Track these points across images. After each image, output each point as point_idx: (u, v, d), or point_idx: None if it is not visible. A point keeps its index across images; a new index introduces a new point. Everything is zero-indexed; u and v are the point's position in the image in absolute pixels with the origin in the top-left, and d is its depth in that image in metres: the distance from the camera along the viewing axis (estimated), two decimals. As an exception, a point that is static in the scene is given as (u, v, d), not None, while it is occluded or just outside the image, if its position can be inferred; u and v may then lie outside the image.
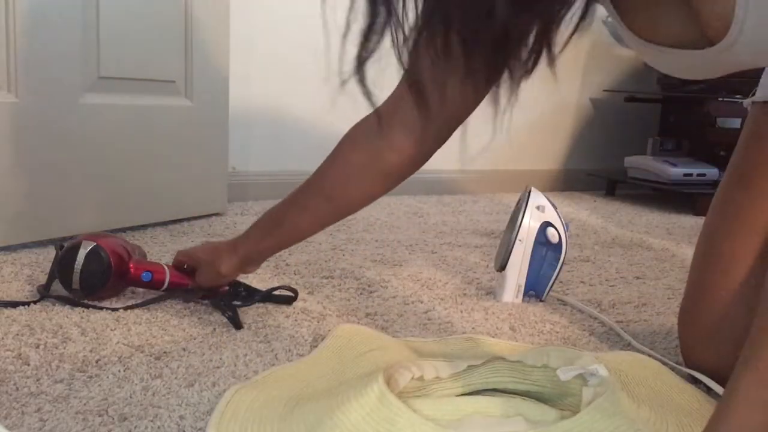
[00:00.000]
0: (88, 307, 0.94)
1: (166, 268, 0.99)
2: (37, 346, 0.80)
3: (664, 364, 0.83)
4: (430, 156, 0.77)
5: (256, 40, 1.89)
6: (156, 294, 0.98)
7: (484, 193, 2.29)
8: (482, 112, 2.16)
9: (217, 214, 1.66)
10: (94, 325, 0.88)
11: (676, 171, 2.17)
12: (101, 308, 0.94)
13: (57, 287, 0.98)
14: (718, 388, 0.77)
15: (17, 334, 0.83)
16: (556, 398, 0.67)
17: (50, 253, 1.23)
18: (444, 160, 2.24)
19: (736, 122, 2.43)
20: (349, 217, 1.73)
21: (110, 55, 1.37)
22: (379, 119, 0.76)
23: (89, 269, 0.95)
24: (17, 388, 0.69)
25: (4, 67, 1.21)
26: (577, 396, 0.65)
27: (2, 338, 0.82)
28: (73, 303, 0.94)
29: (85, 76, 1.33)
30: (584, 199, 2.29)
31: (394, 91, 0.75)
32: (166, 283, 0.98)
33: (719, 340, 0.77)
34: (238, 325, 0.89)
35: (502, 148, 2.35)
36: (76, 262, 0.95)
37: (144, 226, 1.48)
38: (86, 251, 0.95)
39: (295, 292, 1.01)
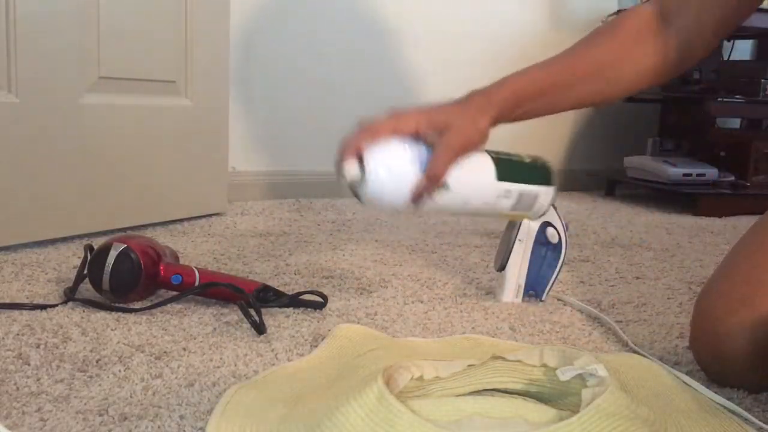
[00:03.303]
0: (117, 310, 0.94)
1: (195, 270, 0.99)
2: (38, 346, 0.80)
3: (664, 365, 0.83)
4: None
5: (256, 40, 1.89)
6: (176, 294, 0.98)
7: (484, 193, 2.29)
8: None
9: (217, 214, 1.66)
10: (95, 325, 0.88)
11: (675, 171, 2.17)
12: (131, 311, 0.94)
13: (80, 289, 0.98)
14: (710, 394, 0.77)
15: (18, 334, 0.83)
16: (556, 398, 0.67)
17: (50, 253, 1.23)
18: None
19: (735, 122, 2.43)
20: (349, 217, 1.73)
21: (110, 55, 1.37)
22: (660, 14, 0.80)
23: (119, 271, 0.95)
24: (17, 388, 0.69)
25: (4, 67, 1.21)
26: (577, 396, 0.65)
27: (2, 338, 0.82)
28: (100, 306, 0.94)
29: (85, 76, 1.33)
30: (584, 199, 2.29)
31: None
32: (195, 286, 0.98)
33: (744, 313, 0.74)
34: (261, 330, 0.88)
35: (502, 148, 2.35)
36: (107, 264, 0.95)
37: (144, 226, 1.48)
38: (117, 253, 0.95)
39: (325, 297, 1.00)
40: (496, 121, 0.76)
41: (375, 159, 0.69)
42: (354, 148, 0.70)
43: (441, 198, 0.74)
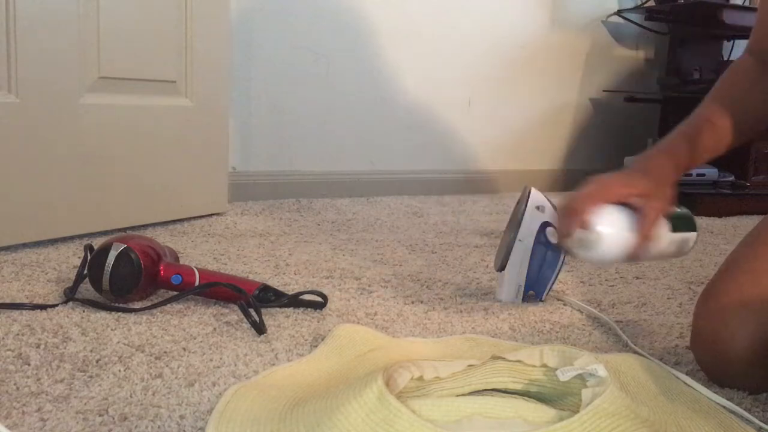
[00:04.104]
0: (117, 310, 0.94)
1: (195, 270, 0.99)
2: (38, 346, 0.80)
3: (664, 365, 0.83)
4: None
5: (256, 40, 1.89)
6: (177, 293, 0.98)
7: (484, 193, 2.29)
8: (482, 112, 2.17)
9: (217, 214, 1.66)
10: (95, 325, 0.88)
11: (675, 171, 2.16)
12: (131, 311, 0.94)
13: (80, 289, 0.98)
14: (710, 394, 0.77)
15: (18, 334, 0.83)
16: (556, 398, 0.67)
17: (50, 253, 1.23)
18: (444, 159, 2.24)
19: (735, 122, 2.43)
20: (349, 217, 1.74)
21: (110, 55, 1.37)
22: (756, 58, 0.91)
23: (119, 271, 0.95)
24: (18, 388, 0.69)
25: (4, 67, 1.21)
26: (577, 396, 0.65)
27: (3, 338, 0.82)
28: (100, 306, 0.94)
29: (85, 76, 1.33)
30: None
31: (760, 31, 0.91)
32: (195, 286, 0.98)
33: (745, 314, 0.76)
34: (261, 330, 0.88)
35: (502, 148, 2.35)
36: (107, 264, 0.95)
37: (144, 226, 1.48)
38: (116, 253, 0.95)
39: (325, 297, 1.00)
40: (674, 186, 0.89)
41: (601, 225, 0.82)
42: (579, 216, 0.82)
43: (644, 252, 0.86)
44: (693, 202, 2.09)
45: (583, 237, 0.82)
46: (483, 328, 0.95)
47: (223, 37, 1.60)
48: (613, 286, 1.21)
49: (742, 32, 2.28)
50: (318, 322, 0.94)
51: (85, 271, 0.97)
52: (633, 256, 0.84)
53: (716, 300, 0.79)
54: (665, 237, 0.91)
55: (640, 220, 0.82)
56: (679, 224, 0.95)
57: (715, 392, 0.75)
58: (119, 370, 0.75)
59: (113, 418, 0.64)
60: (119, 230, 1.42)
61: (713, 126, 0.90)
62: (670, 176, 0.88)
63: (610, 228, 0.82)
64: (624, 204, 0.84)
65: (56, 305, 0.94)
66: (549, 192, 2.36)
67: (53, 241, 1.31)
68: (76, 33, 1.30)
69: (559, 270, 1.07)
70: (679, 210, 0.97)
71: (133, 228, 1.45)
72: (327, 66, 2.01)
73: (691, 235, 0.97)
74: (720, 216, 2.04)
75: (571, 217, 0.82)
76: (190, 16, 1.50)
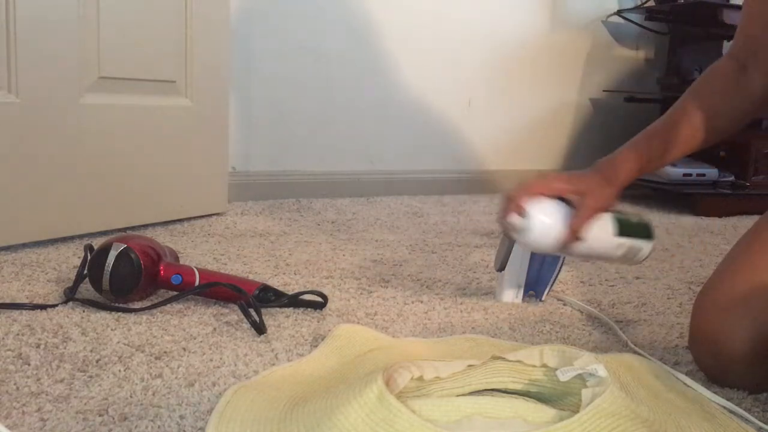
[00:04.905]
0: (117, 310, 0.94)
1: (195, 270, 0.99)
2: (38, 346, 0.80)
3: (664, 365, 0.83)
4: None
5: (256, 41, 1.89)
6: (177, 293, 0.97)
7: (484, 193, 2.29)
8: (482, 112, 2.17)
9: (217, 214, 1.66)
10: (95, 325, 0.88)
11: (675, 171, 2.17)
12: (131, 311, 0.94)
13: (81, 289, 0.98)
14: (710, 394, 0.77)
15: (18, 334, 0.83)
16: (556, 398, 0.67)
17: (50, 253, 1.23)
18: (444, 159, 2.24)
19: (735, 122, 2.43)
20: (349, 217, 1.74)
21: (110, 55, 1.37)
22: (737, 61, 0.92)
23: (119, 271, 0.95)
24: (18, 388, 0.69)
25: (4, 67, 1.21)
26: (577, 396, 0.65)
27: (3, 338, 0.82)
28: (100, 306, 0.94)
29: (85, 76, 1.33)
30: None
31: (741, 36, 0.93)
32: (195, 286, 0.98)
33: (743, 313, 0.76)
34: (261, 330, 0.88)
35: (502, 148, 2.35)
36: (107, 264, 0.95)
37: (144, 226, 1.48)
38: (116, 253, 0.95)
39: (325, 297, 1.00)
40: (621, 188, 0.93)
41: (534, 213, 0.88)
42: (516, 202, 0.89)
43: (575, 246, 0.91)
44: (693, 202, 2.09)
45: (516, 223, 0.90)
46: (483, 328, 0.95)
47: (223, 37, 1.60)
48: (613, 286, 1.21)
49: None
50: (318, 322, 0.94)
51: (85, 271, 0.97)
52: (564, 249, 0.91)
53: (714, 299, 0.79)
54: (607, 238, 0.94)
55: (572, 216, 0.88)
56: (628, 229, 0.97)
57: (715, 392, 0.75)
58: (119, 370, 0.75)
59: (113, 418, 0.64)
60: (119, 230, 1.42)
61: (688, 124, 0.92)
62: (623, 175, 0.92)
63: (542, 217, 0.88)
64: (564, 200, 0.90)
65: (56, 305, 0.94)
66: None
67: (53, 241, 1.31)
68: (76, 33, 1.30)
69: (559, 270, 1.07)
70: (634, 216, 1.00)
71: (133, 228, 1.45)
72: (327, 66, 2.01)
73: (641, 243, 0.98)
74: (720, 216, 2.04)
75: (510, 203, 0.90)
76: (190, 16, 1.50)
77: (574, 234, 0.89)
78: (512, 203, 0.90)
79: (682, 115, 0.92)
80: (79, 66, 1.32)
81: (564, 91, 2.44)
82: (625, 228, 0.96)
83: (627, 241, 0.96)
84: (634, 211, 1.06)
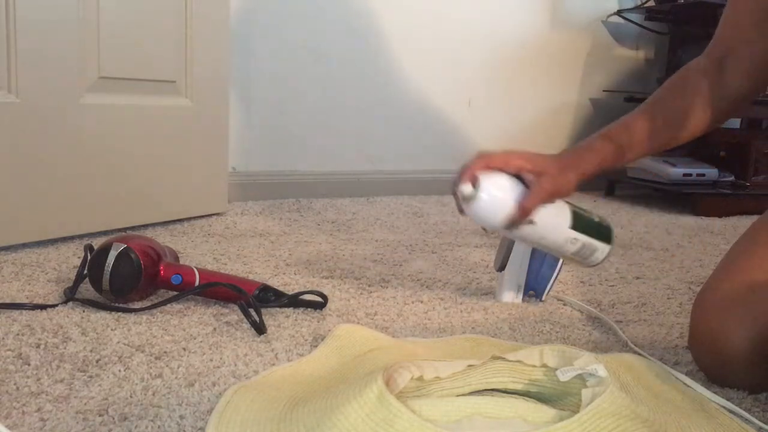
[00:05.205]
0: (117, 310, 0.94)
1: (195, 270, 0.99)
2: (38, 346, 0.80)
3: (664, 365, 0.83)
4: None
5: (256, 41, 1.89)
6: (177, 293, 0.97)
7: (484, 193, 2.29)
8: (482, 112, 2.17)
9: (217, 214, 1.66)
10: (95, 325, 0.88)
11: (675, 171, 2.17)
12: (131, 311, 0.94)
13: (81, 289, 0.98)
14: (710, 394, 0.77)
15: (18, 334, 0.83)
16: (556, 398, 0.67)
17: (50, 253, 1.23)
18: (444, 159, 2.24)
19: (735, 122, 2.43)
20: (349, 217, 1.74)
21: (110, 55, 1.37)
22: (713, 60, 0.91)
23: (119, 271, 0.95)
24: (18, 388, 0.69)
25: (4, 67, 1.21)
26: (577, 396, 0.65)
27: (3, 338, 0.82)
28: (100, 306, 0.94)
29: (85, 76, 1.33)
30: (584, 199, 2.29)
31: (720, 36, 0.92)
32: (195, 286, 0.98)
33: (743, 313, 0.76)
34: (261, 330, 0.88)
35: (502, 148, 2.35)
36: (107, 264, 0.95)
37: (144, 226, 1.48)
38: (116, 253, 0.95)
39: (325, 297, 1.00)
40: (583, 177, 0.90)
41: (485, 185, 0.85)
42: (471, 172, 0.86)
43: (525, 229, 0.88)
44: (693, 202, 2.09)
45: (466, 192, 0.86)
46: (483, 328, 0.95)
47: (223, 37, 1.60)
48: (613, 286, 1.21)
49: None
50: (318, 322, 0.94)
51: (85, 271, 0.97)
52: (512, 229, 0.88)
53: (714, 299, 0.79)
54: (560, 229, 0.91)
55: (525, 193, 0.85)
56: (585, 225, 0.93)
57: (715, 392, 0.75)
58: (119, 370, 0.75)
59: (113, 418, 0.64)
60: (119, 230, 1.42)
61: (663, 120, 0.91)
62: (585, 165, 0.89)
63: (493, 190, 0.85)
64: (519, 178, 0.87)
65: (56, 305, 0.94)
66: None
67: (53, 241, 1.31)
68: (76, 33, 1.30)
69: (559, 270, 1.07)
70: (596, 216, 0.97)
71: (133, 228, 1.45)
72: (327, 66, 2.01)
73: (597, 244, 0.95)
74: (720, 216, 2.04)
75: (465, 171, 0.87)
76: (190, 16, 1.50)
77: (523, 213, 0.85)
78: (467, 172, 0.86)
79: (660, 111, 0.91)
80: (79, 66, 1.32)
81: (564, 91, 2.44)
82: (582, 223, 0.93)
83: (582, 238, 0.93)
84: (604, 213, 1.02)
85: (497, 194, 0.85)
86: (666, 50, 2.50)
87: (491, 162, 0.87)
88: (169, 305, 0.97)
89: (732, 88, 0.90)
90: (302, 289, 1.07)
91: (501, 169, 0.87)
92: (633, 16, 2.45)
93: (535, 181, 0.86)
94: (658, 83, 2.69)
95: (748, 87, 0.91)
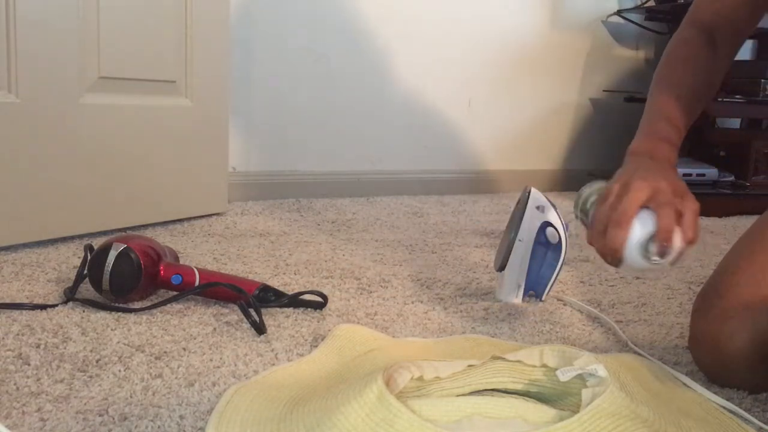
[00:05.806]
0: (117, 310, 0.94)
1: (195, 270, 0.99)
2: (38, 346, 0.80)
3: (664, 365, 0.83)
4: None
5: (255, 41, 1.89)
6: (177, 294, 0.97)
7: (484, 193, 2.29)
8: (482, 112, 2.17)
9: (217, 214, 1.66)
10: (95, 325, 0.88)
11: (675, 171, 2.16)
12: (131, 311, 0.94)
13: (81, 289, 0.98)
14: (710, 394, 0.77)
15: (18, 334, 0.83)
16: (556, 398, 0.67)
17: (50, 253, 1.23)
18: (444, 159, 2.24)
19: (735, 122, 2.43)
20: (349, 217, 1.74)
21: (110, 55, 1.37)
22: (704, 34, 0.92)
23: (119, 271, 0.95)
24: (17, 388, 0.69)
25: (4, 67, 1.21)
26: (577, 396, 0.65)
27: (3, 338, 0.82)
28: (100, 306, 0.94)
29: (85, 76, 1.33)
30: (584, 199, 2.29)
31: (710, 10, 0.92)
32: (195, 286, 0.98)
33: (743, 313, 0.75)
34: (261, 330, 0.88)
35: (503, 148, 2.35)
36: (107, 264, 0.95)
37: (144, 226, 1.48)
38: (116, 253, 0.95)
39: (325, 297, 1.00)
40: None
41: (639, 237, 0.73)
42: (620, 225, 0.73)
43: (687, 253, 0.76)
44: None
45: (677, 249, 0.73)
46: (483, 328, 0.95)
47: (223, 37, 1.60)
48: (613, 286, 1.21)
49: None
50: (318, 322, 0.94)
51: (85, 271, 0.97)
52: (677, 260, 0.75)
53: (713, 300, 0.79)
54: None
55: (684, 225, 0.73)
56: None
57: (715, 392, 0.75)
58: (119, 370, 0.75)
59: (113, 418, 0.64)
60: (119, 230, 1.42)
61: (683, 101, 0.91)
62: (676, 175, 0.82)
63: (676, 239, 0.73)
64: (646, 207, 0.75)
65: (56, 305, 0.94)
66: (549, 192, 2.36)
67: (53, 241, 1.31)
68: (76, 33, 1.30)
69: (559, 270, 1.07)
70: None
71: (133, 228, 1.45)
72: (327, 66, 2.01)
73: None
74: (720, 216, 2.04)
75: (625, 218, 0.73)
76: (190, 16, 1.50)
77: (693, 243, 0.73)
78: (624, 227, 0.72)
79: (685, 92, 0.91)
80: (79, 66, 1.32)
81: (564, 91, 2.44)
82: None
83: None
84: None
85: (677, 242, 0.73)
86: (666, 50, 2.49)
87: (629, 208, 0.74)
88: (169, 305, 0.97)
89: (723, 64, 0.92)
90: (302, 289, 1.07)
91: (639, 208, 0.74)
92: (633, 16, 2.45)
93: (684, 206, 0.74)
94: (658, 83, 2.65)
95: (728, 66, 0.94)
